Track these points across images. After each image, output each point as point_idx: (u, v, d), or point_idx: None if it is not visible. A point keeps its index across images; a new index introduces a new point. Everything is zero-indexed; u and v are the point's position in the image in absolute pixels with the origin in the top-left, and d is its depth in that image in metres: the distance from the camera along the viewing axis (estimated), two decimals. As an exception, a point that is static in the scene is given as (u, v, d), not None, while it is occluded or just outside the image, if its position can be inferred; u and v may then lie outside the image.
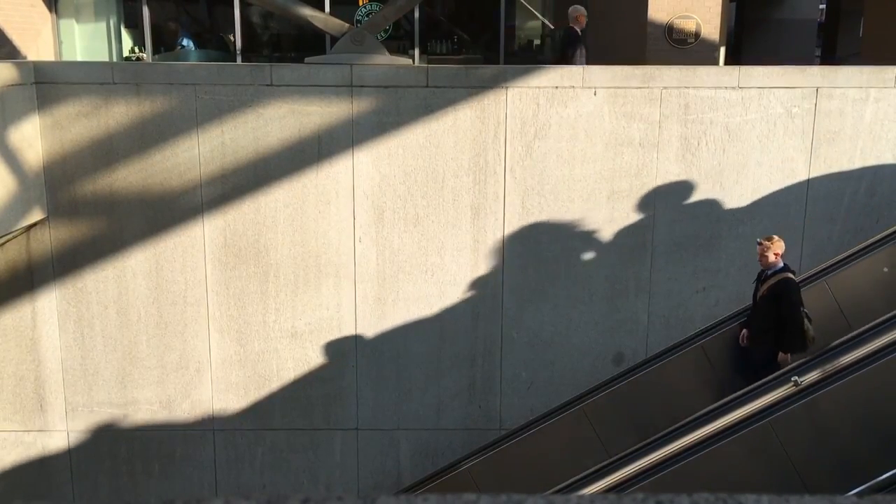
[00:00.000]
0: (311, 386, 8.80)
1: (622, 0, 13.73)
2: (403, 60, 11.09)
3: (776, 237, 7.19)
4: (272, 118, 8.26)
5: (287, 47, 15.47)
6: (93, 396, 8.75)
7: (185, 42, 14.33)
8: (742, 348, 7.50)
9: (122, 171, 8.30)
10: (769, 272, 7.17)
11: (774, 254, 7.10)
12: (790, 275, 7.12)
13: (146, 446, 8.89)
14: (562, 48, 10.86)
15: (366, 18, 13.93)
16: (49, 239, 8.41)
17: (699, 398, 7.15)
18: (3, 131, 7.61)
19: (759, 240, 7.25)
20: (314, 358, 8.74)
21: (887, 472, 5.07)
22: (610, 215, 8.50)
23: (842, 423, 5.99)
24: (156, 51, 14.66)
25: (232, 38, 14.65)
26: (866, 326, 6.33)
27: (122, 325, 8.61)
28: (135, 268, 8.50)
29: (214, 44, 15.49)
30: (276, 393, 8.82)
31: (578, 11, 10.55)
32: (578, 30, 10.56)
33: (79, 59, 14.11)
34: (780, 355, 7.06)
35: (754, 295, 7.41)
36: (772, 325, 7.09)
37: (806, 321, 7.01)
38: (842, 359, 6.02)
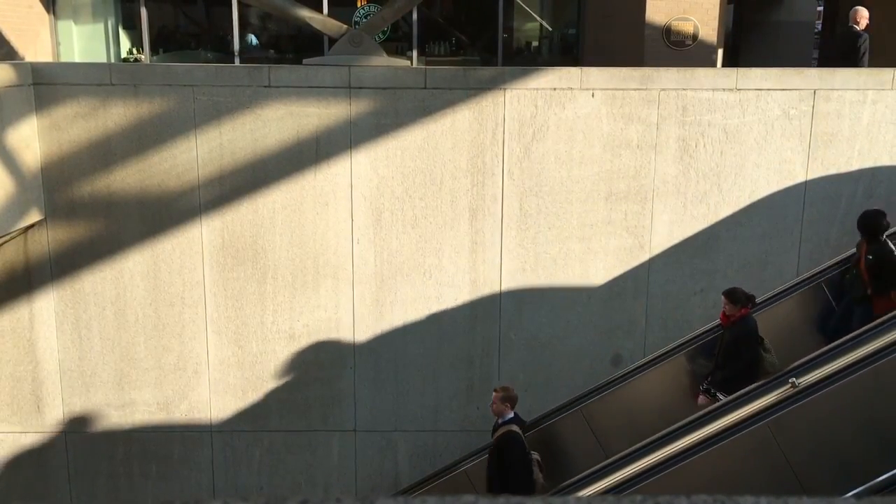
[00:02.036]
0: (309, 387, 8.79)
1: (620, 2, 13.74)
2: (401, 62, 11.10)
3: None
4: (270, 119, 8.26)
5: (286, 48, 15.46)
6: (90, 398, 8.74)
7: (250, 39, 14.85)
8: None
9: (120, 173, 8.30)
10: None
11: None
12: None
13: (144, 447, 8.87)
14: (843, 49, 10.08)
15: (364, 20, 13.93)
16: (47, 240, 8.40)
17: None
18: (0, 132, 7.60)
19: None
20: (312, 359, 8.74)
21: (885, 473, 5.07)
22: (608, 217, 8.51)
23: (840, 424, 6.00)
24: (154, 52, 14.65)
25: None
26: (865, 328, 6.34)
27: (119, 327, 8.60)
28: (132, 269, 8.49)
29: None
30: (274, 394, 8.81)
31: (858, 11, 9.96)
32: (859, 30, 10.10)
33: (77, 60, 14.09)
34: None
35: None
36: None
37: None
38: (840, 360, 6.03)
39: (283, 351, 8.71)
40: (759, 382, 6.37)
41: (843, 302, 7.25)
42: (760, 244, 8.57)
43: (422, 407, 8.89)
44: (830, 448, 5.92)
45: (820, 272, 7.73)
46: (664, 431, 6.55)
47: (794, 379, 6.03)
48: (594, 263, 8.60)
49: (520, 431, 7.01)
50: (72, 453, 8.86)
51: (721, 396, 6.75)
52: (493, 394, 7.17)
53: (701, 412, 6.42)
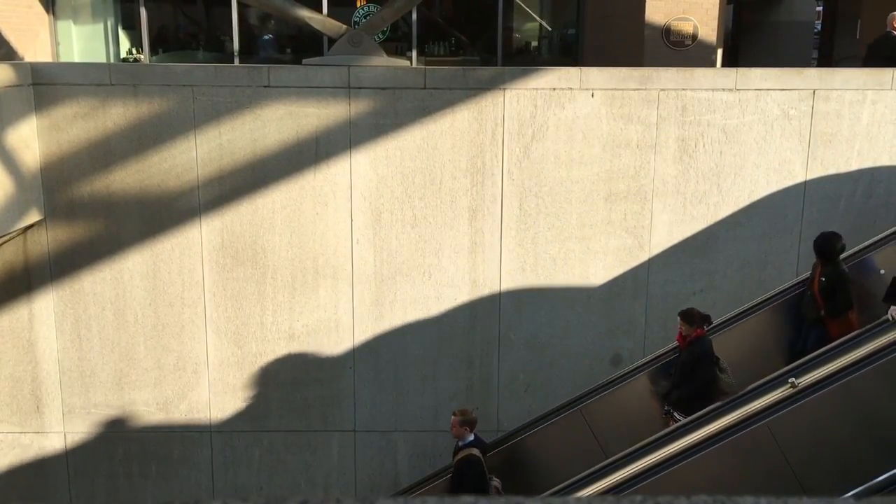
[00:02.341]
0: (309, 387, 8.79)
1: (620, 2, 13.74)
2: (401, 62, 11.10)
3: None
4: (270, 120, 8.26)
5: (285, 48, 15.46)
6: (90, 398, 8.74)
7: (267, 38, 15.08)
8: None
9: (119, 173, 8.29)
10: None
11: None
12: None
13: (143, 448, 8.87)
14: (883, 53, 9.83)
15: (363, 20, 13.93)
16: (46, 240, 8.39)
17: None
18: (0, 133, 7.60)
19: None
20: (312, 359, 8.74)
21: (884, 473, 5.07)
22: (607, 217, 8.51)
23: (839, 424, 6.00)
24: (153, 52, 14.65)
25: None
26: (864, 328, 6.35)
27: (119, 327, 8.60)
28: (132, 269, 8.49)
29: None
30: (274, 394, 8.81)
31: (895, 17, 9.84)
32: None
33: (76, 60, 14.09)
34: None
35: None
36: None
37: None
38: (839, 360, 6.03)
39: (283, 351, 8.71)
40: (759, 382, 6.37)
41: (802, 324, 7.31)
42: (760, 244, 8.57)
43: (421, 407, 8.89)
44: (830, 448, 5.92)
45: (780, 293, 7.73)
46: (664, 431, 6.55)
47: (793, 379, 6.03)
48: (594, 263, 8.60)
49: (480, 455, 7.03)
50: (71, 453, 8.85)
51: (679, 417, 6.81)
52: (452, 417, 7.19)
53: (699, 413, 6.42)
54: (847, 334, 6.31)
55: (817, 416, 5.93)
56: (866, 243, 7.74)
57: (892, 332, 5.90)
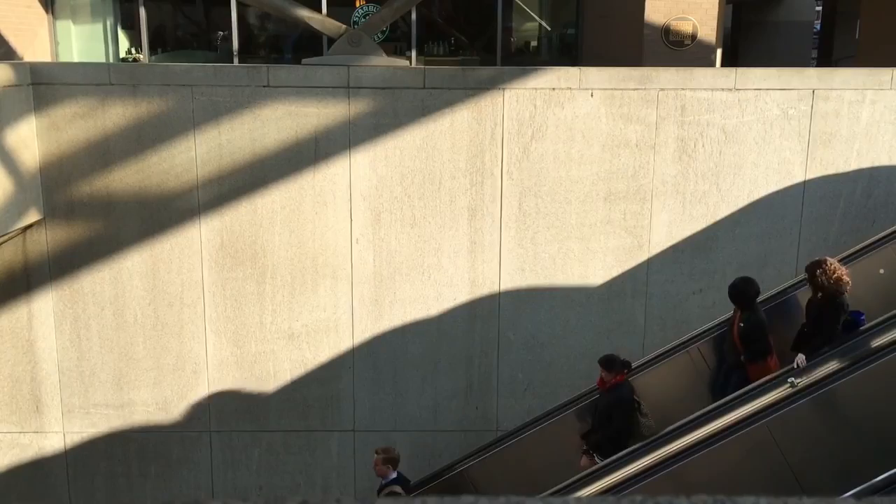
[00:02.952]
0: (308, 387, 8.79)
1: (619, 2, 13.74)
2: (400, 62, 11.10)
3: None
4: (269, 119, 8.25)
5: (284, 48, 15.46)
6: (89, 398, 8.73)
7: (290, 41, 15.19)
8: None
9: (118, 173, 8.29)
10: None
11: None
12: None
13: (143, 448, 8.87)
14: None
15: (363, 20, 13.93)
16: (45, 240, 8.39)
17: (696, 400, 7.16)
18: (-1, 132, 7.60)
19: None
20: (311, 359, 8.74)
21: (884, 473, 5.07)
22: (607, 217, 8.51)
23: (838, 424, 6.00)
24: (153, 52, 14.64)
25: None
26: (863, 328, 6.35)
27: (118, 327, 8.60)
28: (131, 269, 8.49)
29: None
30: (273, 394, 8.80)
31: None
32: None
33: (75, 60, 14.08)
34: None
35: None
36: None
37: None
38: (838, 360, 6.03)
39: (282, 351, 8.71)
40: (758, 382, 6.38)
41: (722, 366, 7.37)
42: (759, 244, 8.57)
43: (420, 407, 8.89)
44: (830, 447, 5.93)
45: (700, 334, 7.75)
46: (662, 431, 6.55)
47: (793, 379, 6.04)
48: (593, 263, 8.60)
49: (402, 493, 7.12)
50: (70, 453, 8.85)
51: (598, 459, 6.94)
52: (375, 455, 7.26)
53: (698, 413, 6.42)
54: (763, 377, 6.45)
55: (817, 415, 5.94)
56: (865, 243, 7.75)
57: (889, 334, 5.91)
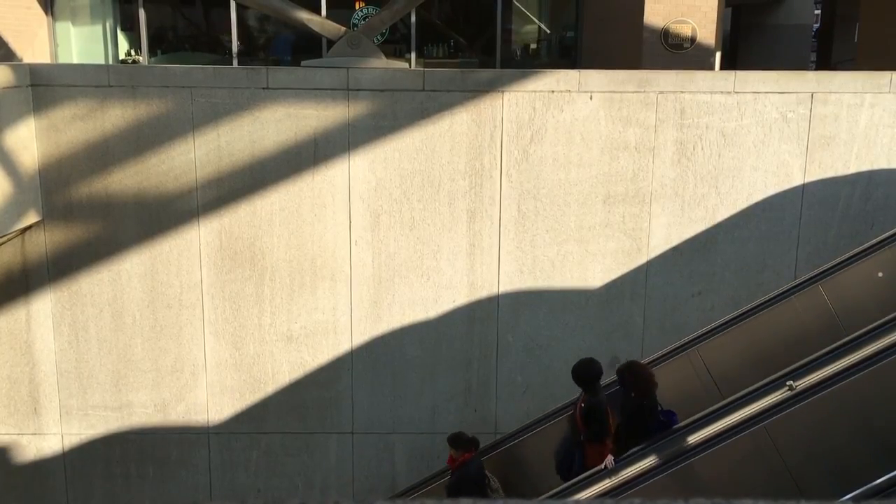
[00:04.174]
0: (307, 389, 8.78)
1: (618, 5, 13.75)
2: (400, 64, 11.11)
3: None
4: (268, 121, 8.26)
5: (283, 50, 15.46)
6: (87, 399, 8.73)
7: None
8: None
9: (117, 174, 8.29)
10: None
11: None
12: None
13: (141, 449, 8.86)
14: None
15: (362, 22, 13.94)
16: (44, 241, 8.39)
17: (694, 402, 7.16)
18: (-2, 133, 7.60)
19: None
20: (309, 361, 8.73)
21: (882, 476, 5.08)
22: (606, 219, 8.51)
23: (837, 426, 6.00)
24: (152, 53, 14.65)
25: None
26: (861, 331, 6.35)
27: (116, 328, 8.59)
28: (130, 271, 8.48)
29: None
30: (272, 396, 8.80)
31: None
32: None
33: (75, 61, 14.09)
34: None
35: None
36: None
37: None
38: (836, 363, 6.03)
39: (281, 353, 8.70)
40: (757, 384, 6.38)
41: (565, 443, 7.42)
42: (758, 247, 8.58)
43: (419, 409, 8.88)
44: (828, 450, 5.92)
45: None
46: (661, 435, 6.54)
47: (791, 381, 6.04)
48: (592, 266, 8.60)
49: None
50: (69, 455, 8.84)
51: None
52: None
53: (696, 416, 6.42)
54: (600, 460, 6.56)
55: (815, 418, 5.94)
56: (863, 246, 7.75)
57: (888, 337, 5.91)
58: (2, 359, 8.64)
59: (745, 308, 7.80)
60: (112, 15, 14.81)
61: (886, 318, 6.18)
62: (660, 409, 6.60)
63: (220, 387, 8.75)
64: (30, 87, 8.06)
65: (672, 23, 12.37)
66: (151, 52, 14.63)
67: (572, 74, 8.37)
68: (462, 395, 8.86)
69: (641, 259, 8.60)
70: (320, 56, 12.67)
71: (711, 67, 12.46)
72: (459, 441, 7.28)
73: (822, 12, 22.45)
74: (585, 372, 7.09)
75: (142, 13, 14.31)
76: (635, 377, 6.65)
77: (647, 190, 8.46)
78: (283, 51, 15.29)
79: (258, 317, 8.62)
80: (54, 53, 14.05)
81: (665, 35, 12.40)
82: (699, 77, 8.43)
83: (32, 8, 13.58)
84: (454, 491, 7.17)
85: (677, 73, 8.47)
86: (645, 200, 8.48)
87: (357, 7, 14.80)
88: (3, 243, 8.29)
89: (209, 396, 8.76)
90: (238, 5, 13.98)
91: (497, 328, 8.72)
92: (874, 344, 5.98)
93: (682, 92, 8.30)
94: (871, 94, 8.33)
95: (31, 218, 8.17)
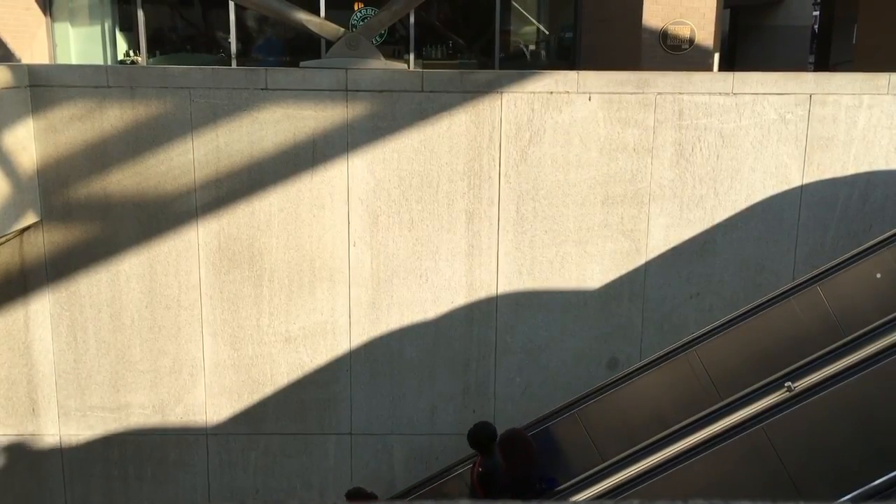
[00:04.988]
0: (305, 390, 8.78)
1: (617, 6, 13.77)
2: (399, 65, 11.10)
3: None
4: (267, 122, 8.26)
5: (282, 51, 15.46)
6: (85, 400, 8.72)
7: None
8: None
9: (116, 175, 8.29)
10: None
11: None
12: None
13: (139, 450, 8.86)
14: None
15: (361, 23, 13.94)
16: (42, 242, 8.38)
17: (693, 403, 7.16)
18: (-4, 134, 7.59)
19: None
20: (308, 362, 8.73)
21: (880, 478, 5.08)
22: (604, 220, 8.52)
23: (835, 428, 6.00)
24: (150, 54, 14.65)
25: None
26: (860, 332, 6.36)
27: (115, 329, 8.59)
28: (128, 271, 8.48)
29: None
30: (270, 397, 8.80)
31: None
32: None
33: (73, 62, 14.09)
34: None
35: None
36: None
37: None
38: (835, 364, 6.04)
39: (279, 354, 8.70)
40: (755, 385, 6.38)
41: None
42: (757, 248, 8.59)
43: (418, 410, 8.89)
44: (826, 452, 5.93)
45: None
46: (660, 435, 6.55)
47: (789, 383, 6.04)
48: (590, 267, 8.61)
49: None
50: (67, 456, 8.84)
51: None
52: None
53: (694, 417, 6.43)
54: None
55: (813, 419, 5.94)
56: (862, 248, 7.76)
57: (886, 338, 5.92)
58: (0, 360, 8.63)
59: (744, 309, 7.81)
60: (111, 16, 14.82)
61: (885, 319, 6.19)
62: (540, 480, 6.55)
63: (219, 388, 8.75)
64: (28, 88, 8.05)
65: (671, 24, 12.38)
66: (150, 53, 14.63)
67: (571, 75, 8.38)
68: (461, 396, 8.87)
69: (640, 260, 8.61)
70: (318, 57, 12.67)
71: (710, 69, 12.48)
72: (358, 496, 7.19)
73: (820, 13, 22.47)
74: (479, 435, 7.06)
75: (140, 14, 14.32)
76: (512, 449, 6.62)
77: (645, 191, 8.47)
78: (272, 52, 15.28)
79: (257, 318, 8.62)
80: (53, 54, 14.05)
81: (664, 36, 12.41)
82: (698, 78, 8.44)
83: (31, 8, 13.58)
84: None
85: (676, 75, 8.47)
86: (643, 201, 8.49)
87: (356, 8, 14.82)
88: (1, 244, 8.29)
89: (207, 397, 8.76)
90: (236, 6, 13.98)
91: (496, 329, 8.72)
92: (873, 345, 5.99)
93: (680, 93, 8.31)
94: (870, 96, 8.34)
95: (30, 219, 8.17)
